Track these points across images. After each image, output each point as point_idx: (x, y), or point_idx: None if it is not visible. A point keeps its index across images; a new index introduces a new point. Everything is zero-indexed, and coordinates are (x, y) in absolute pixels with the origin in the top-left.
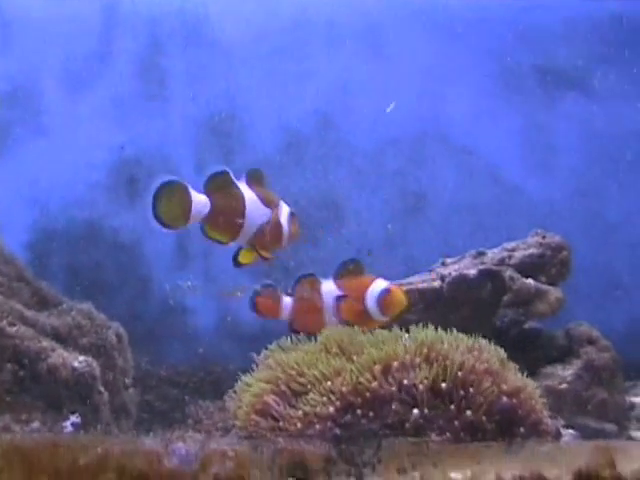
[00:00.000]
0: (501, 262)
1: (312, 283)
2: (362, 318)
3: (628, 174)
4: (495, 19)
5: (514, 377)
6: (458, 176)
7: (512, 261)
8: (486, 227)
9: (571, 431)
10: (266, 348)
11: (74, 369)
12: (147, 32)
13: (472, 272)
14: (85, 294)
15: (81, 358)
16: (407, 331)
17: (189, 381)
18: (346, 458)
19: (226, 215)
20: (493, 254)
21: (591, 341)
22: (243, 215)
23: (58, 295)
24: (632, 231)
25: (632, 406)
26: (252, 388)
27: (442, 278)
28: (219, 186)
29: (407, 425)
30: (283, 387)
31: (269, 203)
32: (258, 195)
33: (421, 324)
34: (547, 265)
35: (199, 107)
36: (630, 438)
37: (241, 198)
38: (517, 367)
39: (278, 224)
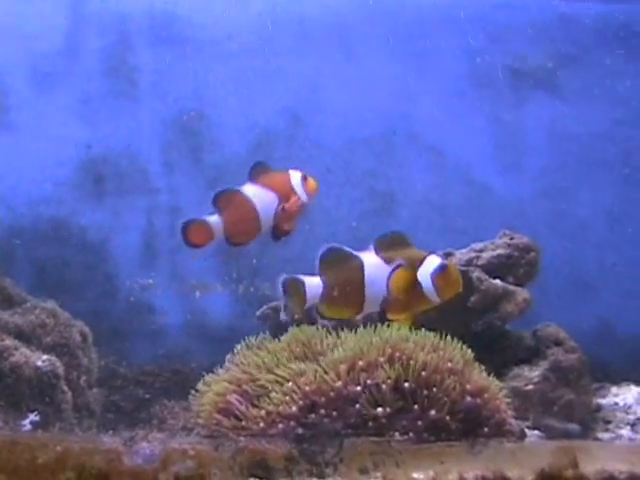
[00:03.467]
0: (469, 263)
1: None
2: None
3: (596, 174)
4: (465, 18)
5: (478, 377)
6: (427, 176)
7: (480, 262)
8: (455, 227)
9: (537, 432)
10: (233, 348)
11: (37, 368)
12: (115, 29)
13: None
14: (51, 292)
15: (44, 357)
16: (374, 330)
17: (155, 381)
18: (308, 457)
19: (344, 291)
20: (461, 255)
21: (558, 342)
22: (362, 286)
23: (23, 293)
24: (600, 231)
25: (599, 407)
26: (215, 387)
27: None
28: (333, 262)
29: (370, 424)
30: (246, 386)
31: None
32: (384, 259)
33: (388, 324)
34: (515, 266)
35: (167, 105)
36: (596, 439)
37: (359, 267)
38: (482, 367)
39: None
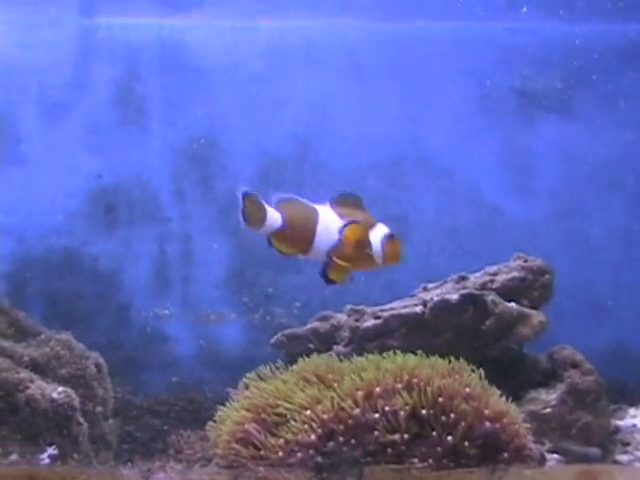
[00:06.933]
0: (483, 286)
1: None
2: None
3: (607, 195)
4: (474, 41)
5: (496, 401)
6: (439, 199)
7: (494, 285)
8: (468, 251)
9: (556, 456)
10: (245, 377)
11: (53, 400)
12: (124, 58)
13: (454, 297)
14: (64, 323)
15: (60, 389)
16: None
17: (170, 410)
18: None
19: (297, 230)
20: (475, 278)
21: (575, 364)
22: (314, 230)
23: (36, 325)
24: (613, 252)
25: (617, 429)
26: (232, 416)
27: (424, 303)
28: (291, 204)
29: (389, 451)
30: (264, 415)
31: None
32: (339, 214)
33: (403, 349)
34: (529, 288)
35: (177, 133)
36: (615, 462)
37: (313, 215)
38: (499, 392)
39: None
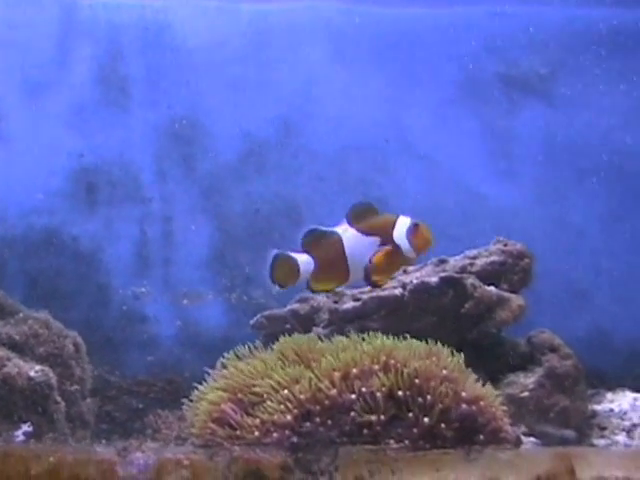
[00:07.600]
0: (463, 270)
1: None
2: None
3: (590, 180)
4: (458, 26)
5: (474, 384)
6: (420, 183)
7: (474, 269)
8: (449, 234)
9: (532, 439)
10: (223, 357)
11: (30, 379)
12: (107, 38)
13: (433, 280)
14: (43, 302)
15: (37, 367)
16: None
17: (149, 390)
18: (303, 466)
19: (330, 265)
20: (455, 262)
21: (553, 349)
22: (345, 258)
23: (15, 303)
24: (595, 238)
25: (594, 414)
26: (209, 396)
27: (403, 286)
28: (315, 239)
29: (365, 432)
30: (240, 395)
31: (376, 231)
32: (360, 230)
33: (382, 332)
34: (509, 272)
35: (159, 114)
36: (592, 446)
37: (338, 242)
38: (476, 375)
39: (392, 247)
